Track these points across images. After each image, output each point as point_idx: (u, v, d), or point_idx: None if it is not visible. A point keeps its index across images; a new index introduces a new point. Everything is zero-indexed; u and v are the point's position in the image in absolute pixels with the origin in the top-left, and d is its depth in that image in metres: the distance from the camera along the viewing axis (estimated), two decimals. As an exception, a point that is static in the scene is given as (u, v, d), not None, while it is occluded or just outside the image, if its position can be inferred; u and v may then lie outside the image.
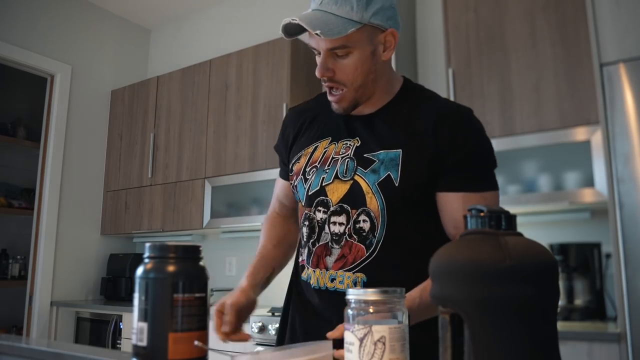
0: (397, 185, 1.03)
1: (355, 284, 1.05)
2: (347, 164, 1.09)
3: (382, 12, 1.05)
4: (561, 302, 2.23)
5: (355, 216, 1.06)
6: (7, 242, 4.39)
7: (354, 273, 1.05)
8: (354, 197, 1.07)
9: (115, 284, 3.73)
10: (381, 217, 1.04)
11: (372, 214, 1.05)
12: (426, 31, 3.06)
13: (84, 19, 4.02)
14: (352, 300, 0.72)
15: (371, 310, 0.70)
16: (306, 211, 1.14)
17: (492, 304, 0.57)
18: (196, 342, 0.77)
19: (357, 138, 1.11)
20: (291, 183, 1.19)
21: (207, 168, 3.41)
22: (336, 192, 1.09)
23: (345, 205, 1.07)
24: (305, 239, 1.15)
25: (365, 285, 1.04)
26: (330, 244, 1.09)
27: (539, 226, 2.53)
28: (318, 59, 1.07)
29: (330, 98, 1.10)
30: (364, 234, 1.05)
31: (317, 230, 1.11)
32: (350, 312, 0.71)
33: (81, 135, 3.92)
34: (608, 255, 2.28)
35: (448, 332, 0.60)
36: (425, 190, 1.05)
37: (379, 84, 1.11)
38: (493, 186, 1.07)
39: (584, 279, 2.23)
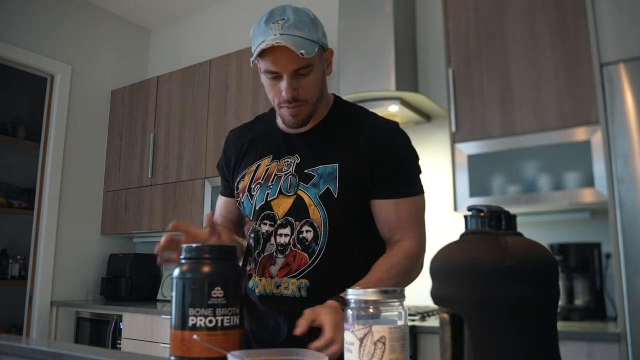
0: (336, 197, 1.14)
1: (299, 289, 1.14)
2: (290, 180, 1.19)
3: (324, 33, 1.18)
4: (561, 302, 2.23)
5: (298, 227, 1.16)
6: (7, 242, 4.38)
7: (298, 279, 1.14)
8: (298, 210, 1.16)
9: (115, 284, 3.73)
10: (324, 227, 1.14)
11: (315, 224, 1.14)
12: (426, 31, 3.06)
13: (84, 19, 4.02)
14: (352, 300, 0.72)
15: (371, 310, 0.70)
16: (253, 224, 1.22)
17: (492, 303, 0.57)
18: (195, 337, 0.80)
19: (297, 155, 1.21)
20: (237, 200, 1.28)
21: (207, 168, 3.41)
22: (282, 206, 1.18)
23: (290, 218, 1.17)
24: (252, 250, 1.24)
25: (309, 290, 1.13)
26: (275, 254, 1.17)
27: (539, 226, 2.53)
28: (273, 83, 1.15)
29: (287, 112, 1.17)
30: (307, 243, 1.15)
31: (262, 242, 1.20)
32: (350, 312, 0.71)
33: (81, 135, 3.92)
34: (608, 255, 2.28)
35: (448, 332, 0.60)
36: (363, 199, 1.16)
37: (323, 100, 1.22)
38: (420, 190, 1.21)
39: (584, 279, 2.23)
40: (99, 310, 3.37)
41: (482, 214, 0.63)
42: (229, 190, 1.36)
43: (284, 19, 1.11)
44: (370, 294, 0.71)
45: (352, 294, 0.72)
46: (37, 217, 3.68)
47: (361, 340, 0.69)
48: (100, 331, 3.35)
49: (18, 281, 4.12)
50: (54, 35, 3.82)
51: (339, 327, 0.93)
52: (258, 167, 1.25)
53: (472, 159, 2.44)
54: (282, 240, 1.17)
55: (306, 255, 1.14)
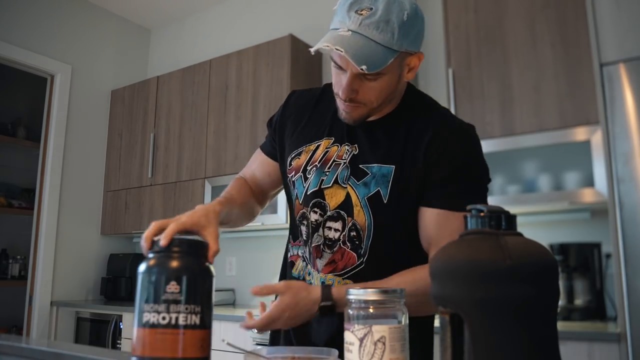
0: (385, 202, 1.03)
1: None
2: (346, 171, 1.08)
3: (417, 37, 1.01)
4: (561, 302, 2.23)
5: (350, 224, 1.06)
6: (7, 242, 4.38)
7: (343, 279, 1.07)
8: (349, 206, 1.06)
9: (115, 284, 3.73)
10: (367, 231, 1.05)
11: (358, 226, 1.05)
12: (426, 31, 3.06)
13: (84, 19, 4.02)
14: (352, 300, 0.72)
15: (371, 310, 0.70)
16: (303, 210, 1.13)
17: (492, 304, 0.57)
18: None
19: (356, 145, 1.09)
20: (288, 177, 1.18)
21: (207, 168, 3.41)
22: (335, 197, 1.08)
23: (342, 212, 1.07)
24: (304, 237, 1.14)
25: None
26: (322, 247, 1.09)
27: (539, 226, 2.53)
28: (336, 72, 1.02)
29: (342, 107, 1.05)
30: (357, 242, 1.06)
31: (310, 231, 1.11)
32: (350, 312, 0.71)
33: (81, 135, 3.92)
34: (608, 255, 2.28)
35: (448, 332, 0.60)
36: (413, 207, 1.05)
37: (393, 100, 1.08)
38: None
39: (584, 279, 2.23)
40: (99, 310, 3.37)
41: (482, 214, 0.63)
42: (271, 150, 1.25)
43: (371, 8, 0.94)
44: (370, 294, 0.71)
45: (352, 294, 0.72)
46: (37, 217, 3.68)
47: (361, 340, 0.69)
48: (100, 331, 3.35)
49: (18, 281, 4.12)
50: (54, 35, 3.82)
51: (274, 320, 0.97)
52: (317, 147, 1.12)
53: (472, 159, 2.44)
54: (332, 234, 1.07)
55: (355, 255, 1.05)
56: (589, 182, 2.18)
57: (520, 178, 2.36)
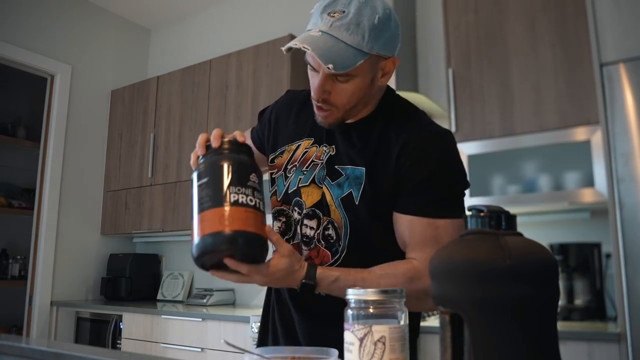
0: (356, 203, 1.06)
1: None
2: (323, 171, 1.11)
3: (390, 41, 1.03)
4: (561, 302, 2.23)
5: (325, 223, 1.09)
6: (7, 242, 4.38)
7: None
8: (324, 205, 1.10)
9: (115, 284, 3.73)
10: (344, 229, 1.08)
11: (336, 224, 1.08)
12: (426, 31, 3.06)
13: (84, 19, 4.02)
14: (352, 300, 0.72)
15: (371, 310, 0.70)
16: (283, 207, 1.17)
17: (491, 303, 0.57)
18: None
19: (334, 146, 1.12)
20: (271, 173, 1.22)
21: (207, 168, 3.41)
22: (310, 196, 1.11)
23: (317, 211, 1.10)
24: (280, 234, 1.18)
25: None
26: (300, 244, 1.13)
27: (539, 226, 2.53)
28: (312, 75, 1.04)
29: (317, 112, 1.07)
30: (332, 241, 1.09)
31: (292, 229, 1.15)
32: (350, 311, 0.71)
33: (81, 135, 3.92)
34: (608, 255, 2.28)
35: (448, 332, 0.60)
36: (387, 209, 1.07)
37: (368, 104, 1.10)
38: (451, 214, 1.03)
39: (584, 279, 2.23)
40: (99, 310, 3.37)
41: (482, 214, 0.63)
42: (257, 140, 1.30)
43: (344, 11, 0.97)
44: (370, 294, 0.70)
45: (352, 294, 0.72)
46: (37, 217, 3.68)
47: (361, 340, 0.69)
48: (100, 331, 3.35)
49: (18, 281, 4.12)
50: (54, 35, 3.82)
51: (262, 274, 0.97)
52: (298, 147, 1.17)
53: (472, 159, 2.44)
54: (308, 232, 1.11)
55: (329, 253, 1.09)
56: (589, 182, 2.18)
57: (520, 178, 2.37)
